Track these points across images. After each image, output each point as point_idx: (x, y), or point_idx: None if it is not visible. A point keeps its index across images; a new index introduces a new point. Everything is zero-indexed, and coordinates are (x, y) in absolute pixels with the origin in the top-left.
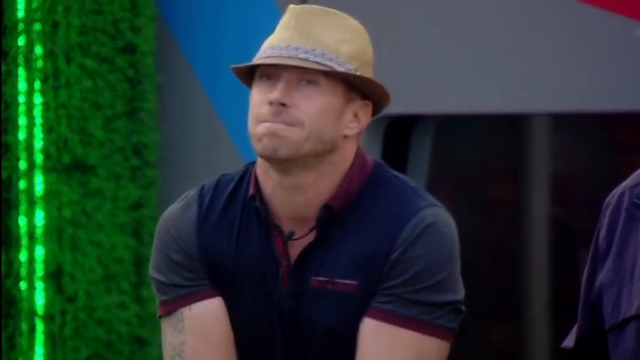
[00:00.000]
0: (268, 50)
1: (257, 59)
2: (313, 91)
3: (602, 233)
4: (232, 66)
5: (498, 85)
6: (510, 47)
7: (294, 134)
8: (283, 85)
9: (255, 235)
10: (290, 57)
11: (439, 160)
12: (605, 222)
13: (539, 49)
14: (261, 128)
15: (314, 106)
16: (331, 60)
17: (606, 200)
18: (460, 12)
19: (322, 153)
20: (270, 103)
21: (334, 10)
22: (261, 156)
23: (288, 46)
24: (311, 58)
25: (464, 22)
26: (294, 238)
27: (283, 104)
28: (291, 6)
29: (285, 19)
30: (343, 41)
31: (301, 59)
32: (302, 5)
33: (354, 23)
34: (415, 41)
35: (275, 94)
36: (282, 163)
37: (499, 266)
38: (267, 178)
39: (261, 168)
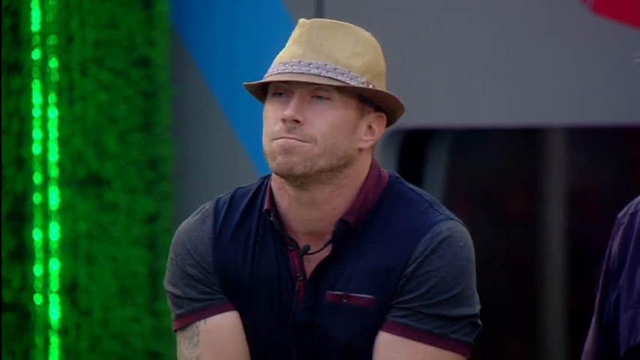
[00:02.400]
0: (280, 66)
1: (269, 75)
2: (326, 106)
3: (614, 253)
4: (245, 83)
5: (514, 99)
6: (527, 61)
7: (307, 150)
8: (296, 101)
9: (271, 249)
10: (302, 73)
11: (455, 173)
12: (617, 241)
13: (556, 62)
14: (275, 145)
15: (327, 122)
16: (343, 74)
17: (618, 218)
18: (476, 26)
19: (337, 167)
20: (284, 120)
21: (345, 23)
22: (277, 173)
23: (300, 62)
24: (323, 73)
25: (480, 37)
26: (309, 252)
27: (296, 121)
28: (302, 20)
29: (296, 34)
30: (355, 54)
31: (313, 75)
32: (312, 19)
33: (365, 35)
34: (432, 55)
35: (288, 111)
36: (298, 179)
37: (515, 279)
38: (283, 193)
39: (277, 183)
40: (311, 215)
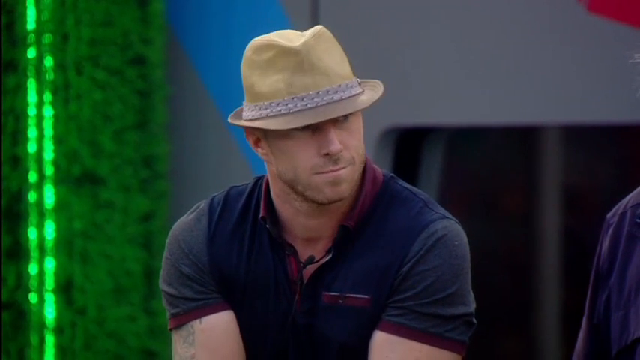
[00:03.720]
0: (297, 101)
1: (295, 114)
2: (351, 122)
3: (604, 253)
4: (284, 128)
5: (510, 97)
6: (523, 59)
7: (351, 173)
8: (333, 133)
9: (267, 251)
10: (327, 103)
11: (450, 172)
12: (606, 242)
13: (552, 61)
14: (323, 179)
15: (357, 139)
16: (351, 87)
17: (607, 218)
18: (473, 25)
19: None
20: (327, 154)
21: (316, 29)
22: (322, 203)
23: (319, 92)
24: (343, 95)
25: (476, 36)
26: (313, 261)
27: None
28: (291, 47)
29: (290, 62)
30: (341, 59)
31: (337, 101)
32: (301, 42)
33: (326, 34)
34: (428, 54)
35: (335, 147)
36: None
37: (510, 278)
38: (285, 202)
39: (280, 195)
40: (314, 223)
